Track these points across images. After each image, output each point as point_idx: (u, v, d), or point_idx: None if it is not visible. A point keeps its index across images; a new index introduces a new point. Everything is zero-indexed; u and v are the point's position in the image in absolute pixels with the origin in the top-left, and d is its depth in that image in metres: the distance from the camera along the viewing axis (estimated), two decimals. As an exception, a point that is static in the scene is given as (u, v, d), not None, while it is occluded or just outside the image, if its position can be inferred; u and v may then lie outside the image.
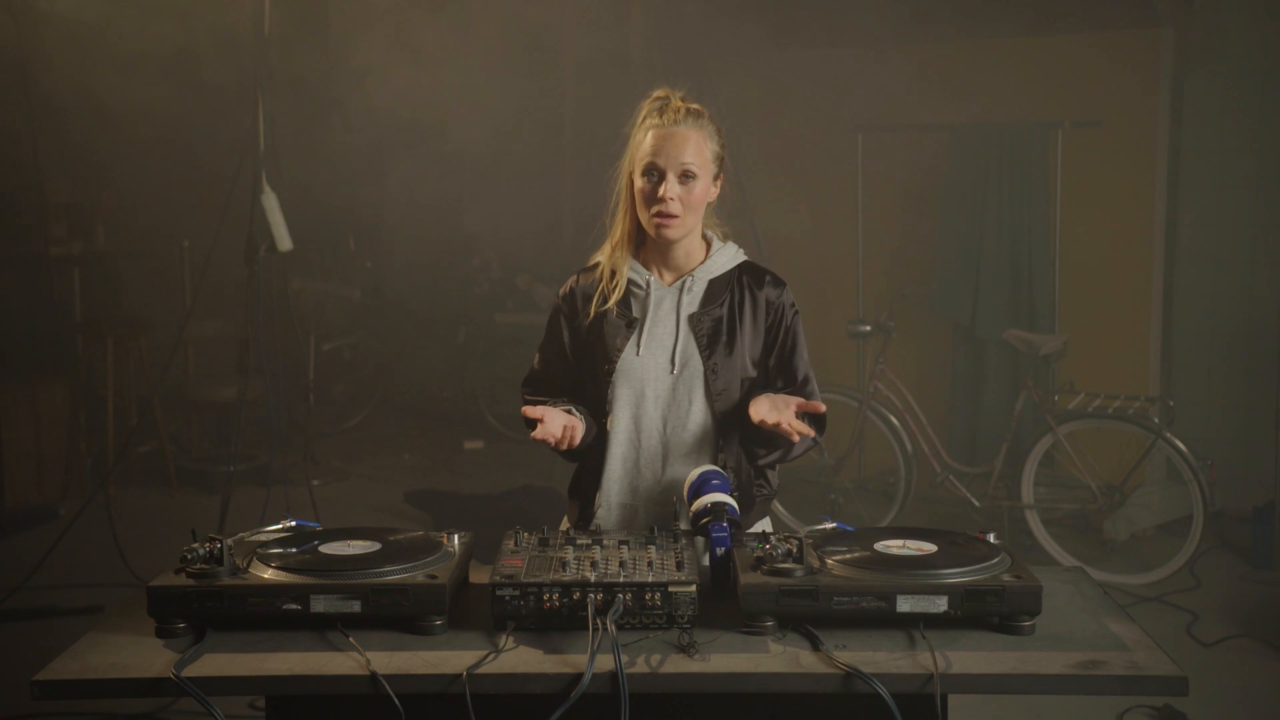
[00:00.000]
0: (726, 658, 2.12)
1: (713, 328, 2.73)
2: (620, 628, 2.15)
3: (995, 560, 2.28)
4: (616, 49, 8.47)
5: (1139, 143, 6.50)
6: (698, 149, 2.65)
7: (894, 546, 2.36)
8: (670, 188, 2.63)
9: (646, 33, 7.64)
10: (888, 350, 6.39)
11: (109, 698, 2.11)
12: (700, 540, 2.57)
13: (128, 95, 6.73)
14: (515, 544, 2.38)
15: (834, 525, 2.53)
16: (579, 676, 2.03)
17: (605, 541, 2.39)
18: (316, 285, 8.64)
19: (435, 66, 8.09)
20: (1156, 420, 5.70)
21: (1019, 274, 6.58)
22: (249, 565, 2.29)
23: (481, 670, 2.06)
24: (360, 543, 2.39)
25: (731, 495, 2.52)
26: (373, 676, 2.04)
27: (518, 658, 2.12)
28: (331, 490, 7.17)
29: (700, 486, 2.54)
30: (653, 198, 2.65)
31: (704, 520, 2.47)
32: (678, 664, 2.10)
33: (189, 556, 2.25)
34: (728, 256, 2.79)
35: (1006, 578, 2.22)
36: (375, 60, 8.20)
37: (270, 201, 5.48)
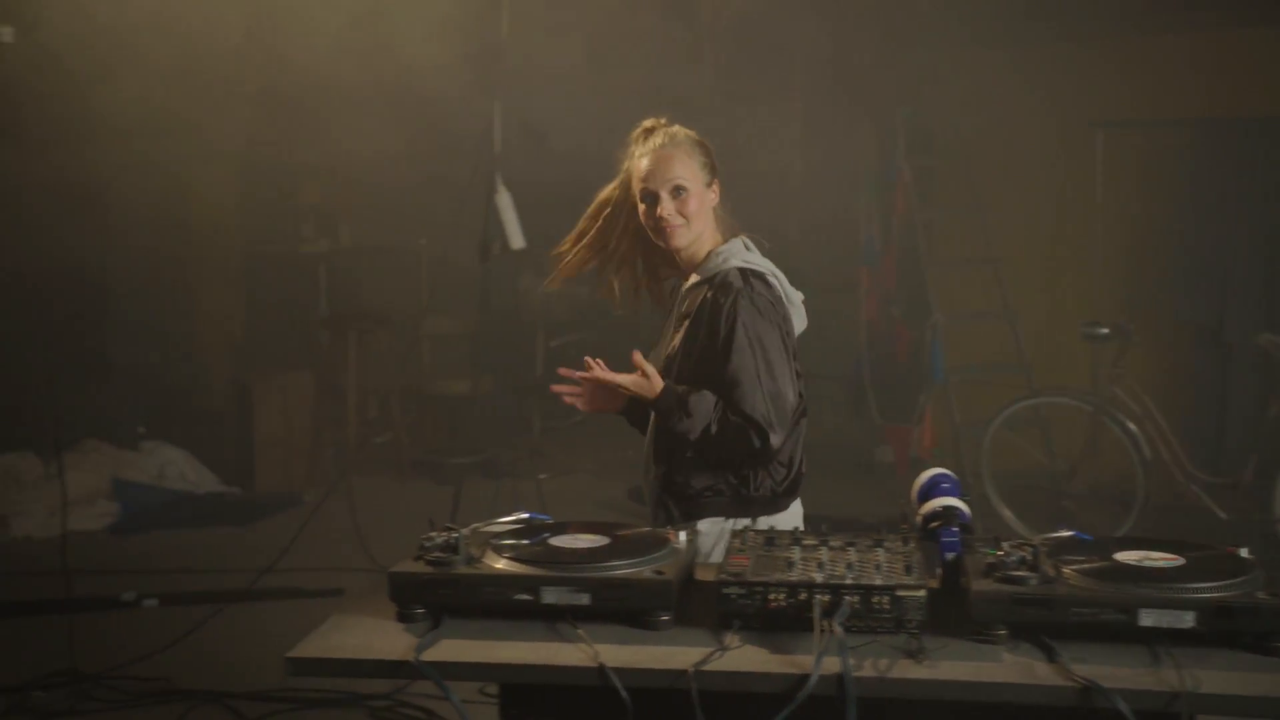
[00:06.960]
0: (956, 665, 2.07)
1: (674, 329, 2.95)
2: (846, 630, 2.12)
3: (1248, 576, 2.16)
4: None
5: None
6: (683, 164, 2.89)
7: (1136, 557, 2.26)
8: (665, 206, 2.87)
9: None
10: (1127, 354, 6.13)
11: (353, 676, 2.20)
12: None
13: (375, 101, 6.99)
14: (741, 542, 2.39)
15: (1071, 533, 2.44)
16: (805, 678, 2.01)
17: (832, 542, 2.37)
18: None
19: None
20: None
21: (1272, 274, 6.26)
22: (483, 555, 2.35)
23: (708, 667, 2.07)
24: (589, 536, 2.44)
25: (963, 499, 2.47)
26: (601, 669, 2.07)
27: (743, 656, 2.12)
28: (557, 484, 7.31)
29: (930, 489, 2.50)
30: (651, 217, 2.90)
31: (934, 524, 2.42)
32: (905, 669, 2.06)
33: (427, 545, 2.33)
34: (715, 262, 2.92)
35: (1262, 595, 2.10)
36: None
37: (504, 200, 5.62)
